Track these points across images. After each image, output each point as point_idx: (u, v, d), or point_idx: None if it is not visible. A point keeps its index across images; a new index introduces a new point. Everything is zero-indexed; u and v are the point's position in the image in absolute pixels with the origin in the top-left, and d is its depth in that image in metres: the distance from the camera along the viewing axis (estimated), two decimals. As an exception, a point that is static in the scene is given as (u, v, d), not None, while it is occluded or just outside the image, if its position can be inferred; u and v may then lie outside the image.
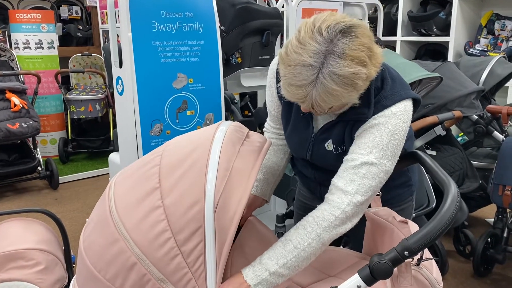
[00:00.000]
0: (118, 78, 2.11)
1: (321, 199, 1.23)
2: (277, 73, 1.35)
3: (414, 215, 1.96)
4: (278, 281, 1.09)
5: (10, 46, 4.56)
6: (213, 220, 0.96)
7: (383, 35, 3.74)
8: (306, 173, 1.46)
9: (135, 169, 1.09)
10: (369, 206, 1.39)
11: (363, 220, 1.37)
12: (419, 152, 1.36)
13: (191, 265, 0.98)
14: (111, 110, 4.67)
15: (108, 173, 2.70)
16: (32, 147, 3.90)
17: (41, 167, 3.85)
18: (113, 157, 2.48)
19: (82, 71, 4.68)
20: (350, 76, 1.04)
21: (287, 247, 1.10)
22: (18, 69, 4.04)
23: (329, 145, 1.31)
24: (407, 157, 1.38)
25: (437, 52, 4.45)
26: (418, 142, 2.21)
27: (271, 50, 2.57)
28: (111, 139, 4.62)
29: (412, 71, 1.82)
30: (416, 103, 1.27)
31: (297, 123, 1.39)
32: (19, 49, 4.46)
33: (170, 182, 0.99)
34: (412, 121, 2.18)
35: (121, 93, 2.11)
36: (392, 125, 1.17)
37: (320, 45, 1.04)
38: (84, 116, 4.51)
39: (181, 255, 0.97)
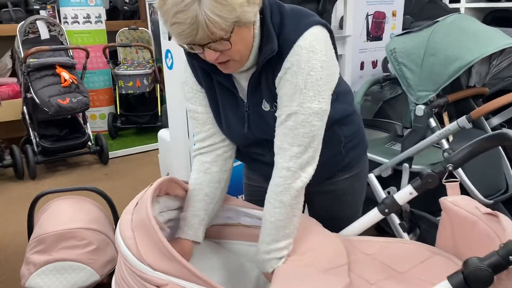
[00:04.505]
0: (167, 51, 2.01)
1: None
2: (189, 54, 1.15)
3: (491, 201, 1.77)
4: (279, 255, 1.16)
5: (59, 21, 4.59)
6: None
7: (449, 2, 3.44)
8: (263, 159, 1.30)
9: None
10: (446, 195, 1.24)
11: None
12: (508, 131, 1.18)
13: None
14: (158, 85, 4.63)
15: (157, 149, 2.65)
16: (82, 122, 3.93)
17: (91, 142, 3.88)
18: (162, 133, 2.42)
19: (129, 45, 4.65)
20: None
21: (266, 225, 1.18)
22: (67, 44, 4.05)
23: (265, 106, 1.19)
24: (492, 138, 1.22)
25: (507, 20, 4.07)
26: (495, 120, 1.98)
27: (328, 19, 2.40)
28: (159, 114, 4.60)
29: (498, 38, 1.58)
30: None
31: (225, 103, 1.23)
32: (68, 23, 4.47)
33: None
34: (489, 96, 1.97)
35: (170, 67, 2.02)
36: (304, 62, 1.07)
37: None
38: (132, 92, 4.49)
39: None
